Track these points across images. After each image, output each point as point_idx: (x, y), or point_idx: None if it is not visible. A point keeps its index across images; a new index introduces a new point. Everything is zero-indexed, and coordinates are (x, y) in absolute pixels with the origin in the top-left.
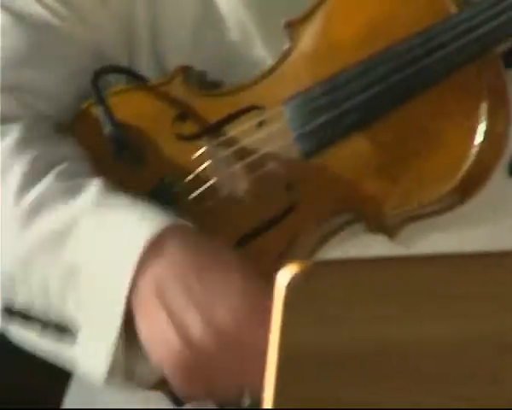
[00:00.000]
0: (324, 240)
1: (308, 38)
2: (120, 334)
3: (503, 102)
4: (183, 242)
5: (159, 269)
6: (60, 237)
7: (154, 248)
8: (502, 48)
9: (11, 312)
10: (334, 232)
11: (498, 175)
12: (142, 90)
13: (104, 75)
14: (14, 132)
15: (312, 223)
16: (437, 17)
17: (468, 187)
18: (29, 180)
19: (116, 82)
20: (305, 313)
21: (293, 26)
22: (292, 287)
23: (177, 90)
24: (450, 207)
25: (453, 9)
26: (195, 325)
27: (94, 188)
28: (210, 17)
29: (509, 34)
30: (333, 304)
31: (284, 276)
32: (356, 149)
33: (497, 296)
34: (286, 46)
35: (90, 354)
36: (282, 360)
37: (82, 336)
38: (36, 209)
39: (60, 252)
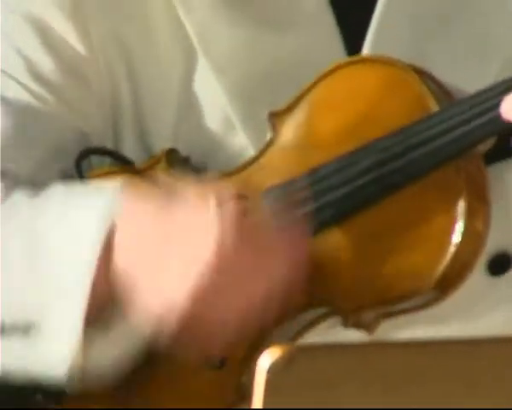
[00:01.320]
0: (300, 334)
1: (290, 129)
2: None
3: (482, 200)
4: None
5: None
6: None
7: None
8: (483, 147)
9: None
10: (310, 326)
11: (477, 273)
12: (126, 174)
13: (88, 157)
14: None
15: (284, 318)
16: (418, 115)
17: (446, 285)
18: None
19: (100, 163)
20: (286, 395)
21: (277, 118)
22: (273, 371)
23: (162, 168)
24: (427, 305)
25: (434, 108)
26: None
27: (58, 190)
28: (193, 103)
29: (488, 135)
30: (313, 388)
31: (266, 359)
32: (332, 243)
33: (467, 382)
34: (268, 137)
35: (55, 340)
36: None
37: (45, 324)
38: (7, 216)
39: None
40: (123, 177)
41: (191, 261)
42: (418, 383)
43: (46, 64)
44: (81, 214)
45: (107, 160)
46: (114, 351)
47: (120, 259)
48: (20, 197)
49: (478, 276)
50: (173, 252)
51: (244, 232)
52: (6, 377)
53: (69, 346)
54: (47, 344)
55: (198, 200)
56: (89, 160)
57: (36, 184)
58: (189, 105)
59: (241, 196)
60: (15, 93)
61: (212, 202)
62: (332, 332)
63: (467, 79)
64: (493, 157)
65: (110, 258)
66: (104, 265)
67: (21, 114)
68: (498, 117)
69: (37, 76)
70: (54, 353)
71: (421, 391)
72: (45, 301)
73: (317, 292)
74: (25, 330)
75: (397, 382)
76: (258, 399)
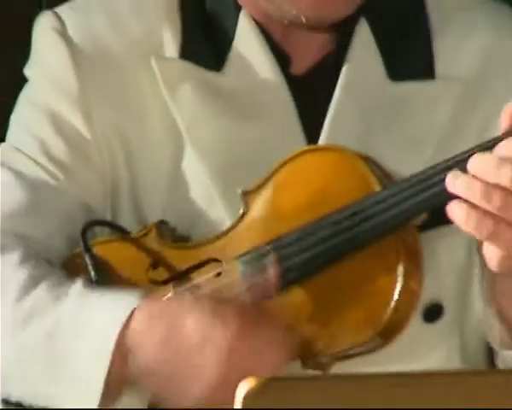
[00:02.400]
0: None
1: (259, 205)
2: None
3: (417, 264)
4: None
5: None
6: (49, 336)
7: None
8: (418, 220)
9: (7, 402)
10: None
11: (414, 321)
12: (123, 241)
13: (91, 227)
14: (15, 253)
15: None
16: (364, 193)
17: (388, 334)
18: (25, 291)
19: (101, 232)
20: None
21: (248, 195)
22: (248, 398)
23: (152, 242)
24: (374, 349)
25: (377, 188)
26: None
27: (74, 291)
28: (180, 181)
29: (423, 210)
30: None
31: (243, 388)
32: (293, 299)
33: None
34: (241, 210)
35: None
36: None
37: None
38: (30, 315)
39: (51, 347)
40: (120, 245)
41: (197, 374)
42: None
43: (57, 146)
44: (97, 319)
45: (107, 231)
46: None
47: (136, 361)
48: (42, 294)
49: (415, 323)
50: (183, 364)
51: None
52: None
53: None
54: None
55: (196, 328)
56: (91, 230)
57: (49, 247)
58: (176, 183)
59: (217, 262)
60: (31, 170)
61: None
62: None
63: (406, 163)
64: (427, 226)
65: (124, 358)
66: (118, 362)
67: (35, 187)
68: (439, 192)
69: (50, 156)
70: None
71: None
72: (62, 393)
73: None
74: None
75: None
76: None
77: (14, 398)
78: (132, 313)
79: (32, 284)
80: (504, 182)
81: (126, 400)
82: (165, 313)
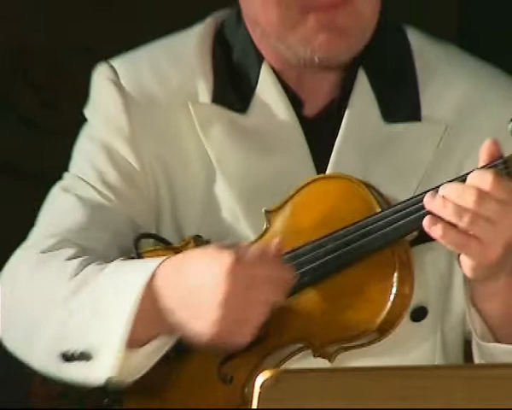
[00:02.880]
0: (283, 361)
1: (279, 221)
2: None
3: (408, 273)
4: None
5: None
6: (94, 291)
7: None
8: (409, 236)
9: (64, 356)
10: (290, 356)
11: (404, 320)
12: (167, 250)
13: (141, 239)
14: (67, 250)
15: (274, 350)
16: (367, 213)
17: (384, 329)
18: (77, 270)
19: (148, 243)
20: (274, 405)
21: (270, 214)
22: (264, 386)
23: (191, 248)
24: (371, 343)
25: (377, 209)
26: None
27: (113, 263)
28: (211, 202)
29: (414, 228)
30: (295, 400)
31: (260, 379)
32: (307, 299)
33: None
34: (264, 226)
35: (102, 361)
36: None
37: (98, 355)
38: (82, 284)
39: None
40: (164, 253)
41: (211, 308)
42: (377, 398)
43: (111, 175)
44: (130, 274)
45: (152, 242)
46: (153, 357)
47: (163, 303)
48: (91, 268)
49: (404, 322)
50: (196, 299)
51: (239, 277)
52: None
53: (111, 361)
54: (98, 363)
55: (208, 257)
56: (140, 242)
57: (106, 257)
58: (208, 204)
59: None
60: (89, 194)
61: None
62: (303, 362)
63: (397, 192)
64: (416, 242)
65: (152, 302)
66: (147, 306)
67: (93, 208)
68: (425, 215)
69: (105, 183)
70: (102, 368)
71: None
72: (97, 332)
73: (296, 332)
74: (82, 356)
75: (358, 399)
76: (254, 406)
77: (66, 349)
78: (157, 268)
79: (82, 266)
80: (469, 205)
81: (155, 343)
82: (180, 262)
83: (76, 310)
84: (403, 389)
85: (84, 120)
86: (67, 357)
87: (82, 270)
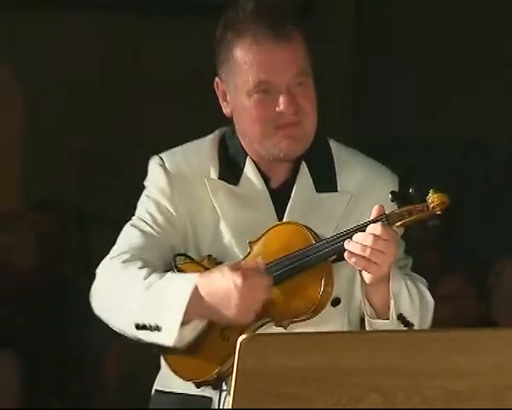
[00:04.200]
0: (256, 329)
1: (257, 248)
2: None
3: (331, 278)
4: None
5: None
6: (160, 289)
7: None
8: (331, 258)
9: (138, 326)
10: (260, 327)
11: (327, 306)
12: (192, 263)
13: (176, 257)
14: (139, 262)
15: (253, 322)
16: (307, 244)
17: (316, 311)
18: (146, 276)
19: (179, 259)
20: (250, 356)
21: (252, 243)
22: (243, 344)
23: (205, 263)
24: (308, 318)
25: (313, 242)
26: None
27: (169, 273)
28: (218, 235)
29: (335, 253)
30: (264, 354)
31: (241, 338)
32: (273, 293)
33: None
34: (248, 251)
35: (169, 331)
36: (237, 380)
37: (166, 322)
38: (150, 284)
39: (159, 295)
40: (191, 265)
41: (230, 305)
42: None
43: (158, 218)
44: (181, 282)
45: (183, 257)
46: (192, 333)
47: (203, 300)
48: (155, 276)
49: (328, 307)
50: (222, 299)
51: (247, 289)
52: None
53: (173, 334)
54: (164, 334)
55: (226, 276)
56: (175, 259)
57: (157, 267)
58: (215, 237)
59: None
60: (146, 228)
61: (233, 276)
62: (268, 330)
63: (323, 232)
64: (336, 260)
65: (195, 299)
66: (192, 301)
67: (148, 237)
68: (341, 246)
69: (155, 222)
70: (167, 337)
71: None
72: (164, 315)
73: (265, 312)
74: (155, 328)
75: (299, 350)
76: (236, 356)
77: (140, 322)
78: (197, 278)
79: (149, 273)
80: (369, 244)
81: (194, 323)
82: (209, 279)
83: (148, 300)
84: (335, 343)
85: (143, 187)
86: (140, 327)
87: (149, 275)
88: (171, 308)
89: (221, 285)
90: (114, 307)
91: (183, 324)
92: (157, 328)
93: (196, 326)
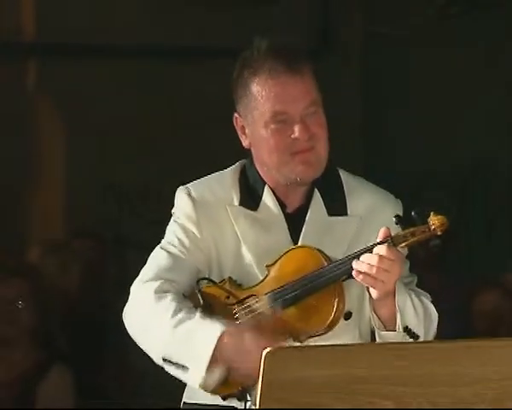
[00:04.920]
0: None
1: (274, 271)
2: (207, 367)
3: (342, 295)
4: (230, 336)
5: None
6: (188, 332)
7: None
8: (342, 278)
9: (165, 360)
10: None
11: (340, 320)
12: (214, 285)
13: (199, 281)
14: (169, 294)
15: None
16: (320, 266)
17: (330, 327)
18: (175, 313)
19: (202, 282)
20: (275, 369)
21: (269, 266)
22: (267, 357)
23: (227, 286)
24: (323, 333)
25: (325, 264)
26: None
27: (197, 316)
28: (238, 259)
29: (345, 274)
30: (288, 366)
31: (265, 352)
32: (290, 312)
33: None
34: (266, 273)
35: (194, 376)
36: (262, 391)
37: (191, 368)
38: (178, 323)
39: (188, 338)
40: (213, 288)
41: (246, 361)
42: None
43: (185, 241)
44: (207, 330)
45: (206, 280)
46: (215, 382)
47: (225, 352)
48: (183, 315)
49: (340, 321)
50: (241, 355)
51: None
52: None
53: (199, 378)
54: (190, 375)
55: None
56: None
57: (183, 287)
58: (237, 260)
59: (254, 298)
60: (174, 251)
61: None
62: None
63: (334, 254)
64: (346, 278)
65: (221, 349)
66: (218, 351)
67: (176, 259)
68: (351, 267)
69: (182, 245)
70: (193, 379)
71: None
72: (191, 357)
73: (285, 330)
74: (181, 367)
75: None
76: (261, 370)
77: (168, 358)
78: (222, 333)
79: (178, 310)
80: (375, 264)
81: (217, 371)
82: (233, 335)
83: (176, 338)
84: (351, 354)
85: (171, 215)
86: (167, 361)
87: (178, 313)
88: (199, 352)
89: (242, 344)
90: (144, 336)
91: (208, 369)
92: (184, 368)
93: (222, 372)
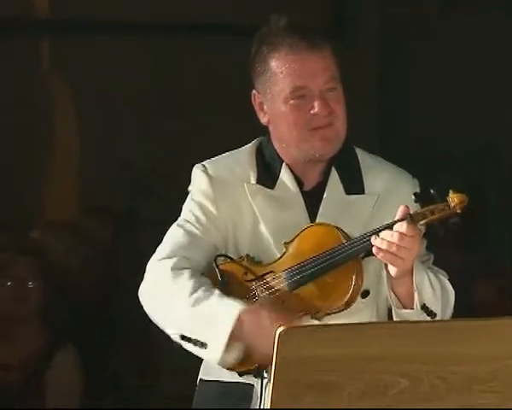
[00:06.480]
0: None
1: (291, 248)
2: (226, 343)
3: (361, 272)
4: (249, 313)
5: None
6: (207, 310)
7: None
8: (361, 255)
9: (183, 337)
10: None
11: (358, 298)
12: (232, 262)
13: (217, 257)
14: (186, 271)
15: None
16: (338, 243)
17: (348, 304)
18: (193, 291)
19: (220, 259)
20: (291, 350)
21: (287, 243)
22: (281, 335)
23: (245, 262)
24: (341, 311)
25: (344, 241)
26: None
27: (216, 293)
28: (256, 236)
29: (364, 251)
30: (301, 343)
31: (279, 330)
32: (308, 288)
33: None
34: (283, 250)
35: (213, 353)
36: (276, 369)
37: (209, 345)
38: (197, 301)
39: (208, 315)
40: (231, 264)
41: (263, 340)
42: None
43: (202, 218)
44: (226, 308)
45: (223, 257)
46: (232, 356)
47: (244, 330)
48: (201, 293)
49: (358, 299)
50: (258, 333)
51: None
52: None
53: (219, 353)
54: (210, 351)
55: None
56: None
57: (200, 264)
58: (254, 237)
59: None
60: (191, 228)
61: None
62: (304, 321)
63: (352, 232)
64: (364, 255)
65: (239, 327)
66: (236, 329)
67: (192, 236)
68: (370, 243)
69: (198, 222)
70: (213, 355)
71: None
72: (210, 334)
73: (302, 306)
74: (200, 344)
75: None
76: (275, 348)
77: (187, 335)
78: (241, 311)
79: (196, 287)
80: (395, 241)
81: (236, 348)
82: (252, 313)
83: (195, 316)
84: (365, 333)
85: (188, 192)
86: (186, 338)
87: (197, 290)
88: (218, 330)
89: (258, 323)
90: (162, 314)
91: (227, 346)
92: (202, 345)
93: (239, 346)
